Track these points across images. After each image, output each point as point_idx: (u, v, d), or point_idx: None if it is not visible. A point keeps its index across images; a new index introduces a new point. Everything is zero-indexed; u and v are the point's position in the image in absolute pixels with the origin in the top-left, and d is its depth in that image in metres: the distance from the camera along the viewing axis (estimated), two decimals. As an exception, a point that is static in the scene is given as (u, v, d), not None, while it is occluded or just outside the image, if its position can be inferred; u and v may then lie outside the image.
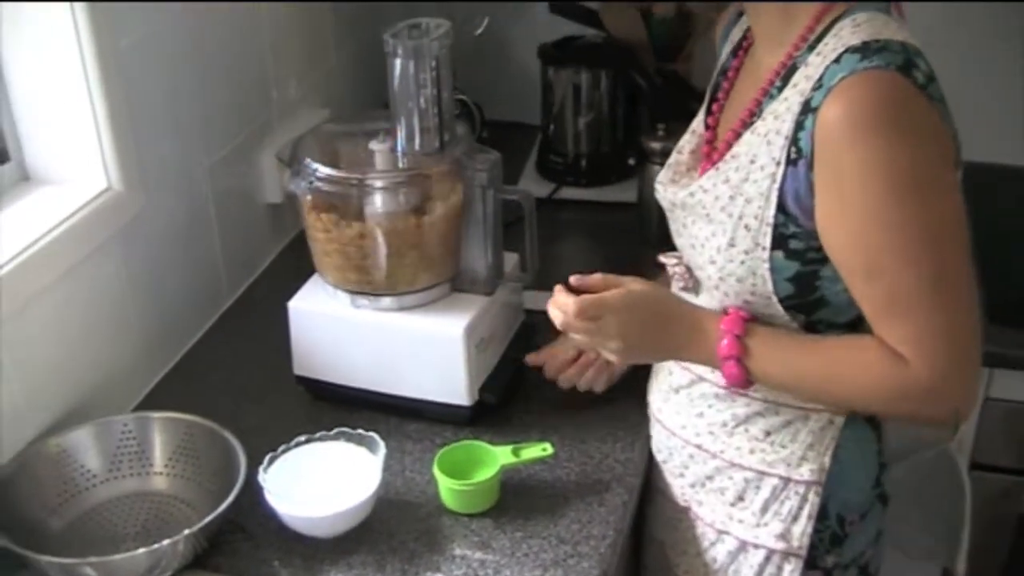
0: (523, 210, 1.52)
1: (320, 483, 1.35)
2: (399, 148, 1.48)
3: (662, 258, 1.41)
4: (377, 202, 1.46)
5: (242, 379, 1.65)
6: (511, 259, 1.61)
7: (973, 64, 2.11)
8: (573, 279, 1.33)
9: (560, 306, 1.31)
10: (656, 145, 1.98)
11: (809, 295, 1.24)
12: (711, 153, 1.34)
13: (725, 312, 1.28)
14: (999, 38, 2.16)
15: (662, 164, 2.00)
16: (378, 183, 1.45)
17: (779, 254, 1.22)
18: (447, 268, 1.52)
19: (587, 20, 2.19)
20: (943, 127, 1.16)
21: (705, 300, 1.34)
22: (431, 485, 1.42)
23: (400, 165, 1.48)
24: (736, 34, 1.41)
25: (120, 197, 1.50)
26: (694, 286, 1.35)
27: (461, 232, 1.51)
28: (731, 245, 1.25)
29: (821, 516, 1.34)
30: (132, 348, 1.59)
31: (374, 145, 1.47)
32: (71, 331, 1.46)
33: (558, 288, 1.33)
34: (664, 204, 1.40)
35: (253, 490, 1.33)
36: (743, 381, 1.27)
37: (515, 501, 1.41)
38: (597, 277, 1.33)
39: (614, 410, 1.56)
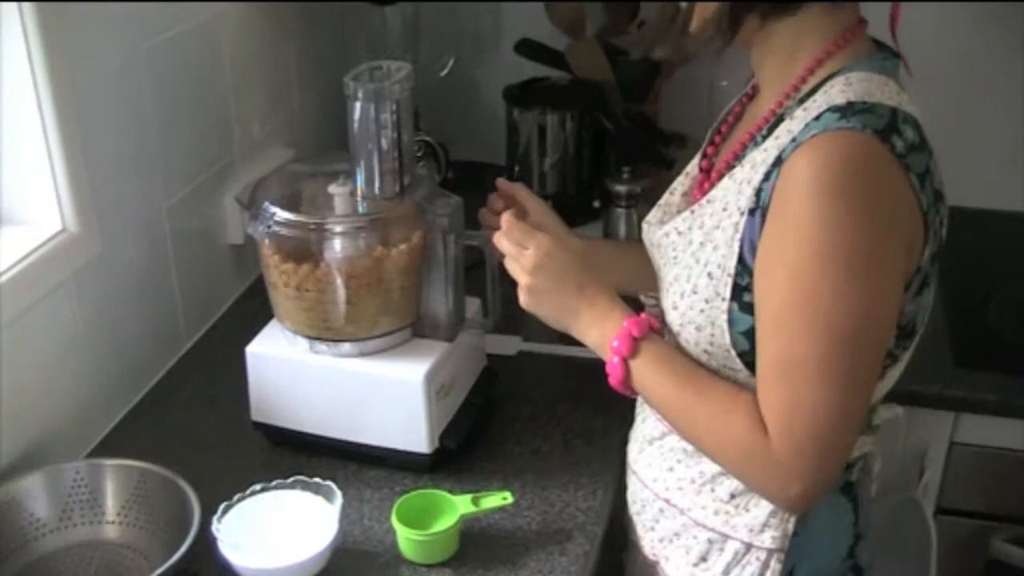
0: (481, 255, 1.51)
1: (276, 533, 1.33)
2: (358, 192, 1.46)
3: (643, 298, 1.42)
4: (336, 246, 1.44)
5: (199, 424, 1.62)
6: (472, 304, 1.59)
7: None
8: (500, 181, 1.42)
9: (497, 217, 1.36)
10: (621, 188, 1.98)
11: None
12: (699, 196, 1.32)
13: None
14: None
15: (626, 207, 2.02)
16: (337, 228, 1.43)
17: (735, 305, 1.19)
18: (407, 313, 1.50)
19: (552, 61, 2.19)
20: (911, 201, 1.12)
21: (671, 340, 1.31)
22: (390, 534, 1.40)
23: (360, 209, 1.46)
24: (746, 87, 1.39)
25: (76, 239, 1.48)
26: (664, 329, 1.32)
27: (422, 277, 1.50)
28: (693, 292, 1.22)
29: None
30: (86, 393, 1.56)
31: (333, 188, 1.46)
32: (23, 375, 1.43)
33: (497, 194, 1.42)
34: (646, 243, 1.39)
35: (208, 539, 1.30)
36: (622, 382, 1.26)
37: (475, 550, 1.39)
38: (527, 196, 1.43)
39: (576, 457, 1.55)
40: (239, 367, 1.56)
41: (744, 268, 1.18)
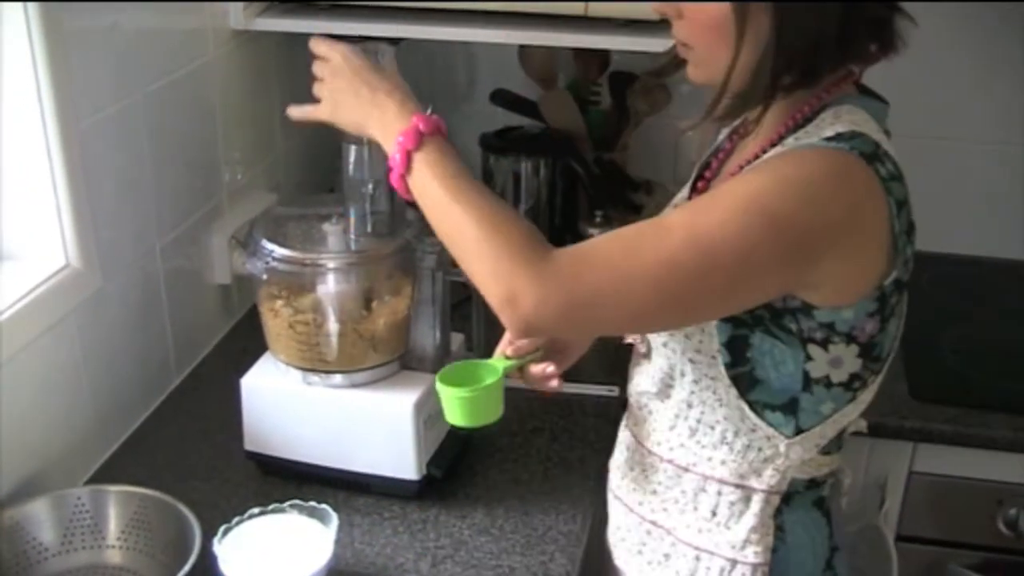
0: (467, 292, 1.58)
1: (273, 554, 1.38)
2: (351, 231, 1.54)
3: (630, 339, 1.43)
4: (330, 282, 1.51)
5: (191, 455, 1.67)
6: (457, 339, 1.66)
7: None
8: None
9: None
10: (594, 231, 2.05)
11: (742, 366, 1.25)
12: None
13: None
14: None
15: (600, 249, 2.09)
16: (331, 264, 1.51)
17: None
18: (397, 347, 1.57)
19: (526, 110, 2.28)
20: (883, 223, 1.16)
21: (653, 364, 1.35)
22: (380, 557, 1.46)
23: (352, 247, 1.53)
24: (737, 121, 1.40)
25: (78, 275, 1.54)
26: (647, 351, 1.37)
27: (411, 312, 1.57)
28: None
29: None
30: (84, 423, 1.61)
31: (327, 227, 1.53)
32: (25, 404, 1.48)
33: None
34: None
35: (207, 563, 1.35)
36: (401, 177, 1.29)
37: (462, 571, 1.45)
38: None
39: (555, 485, 1.62)
40: (228, 401, 1.63)
41: None
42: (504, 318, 1.19)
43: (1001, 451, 1.83)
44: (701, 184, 1.40)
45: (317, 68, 1.40)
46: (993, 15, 2.18)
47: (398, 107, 1.32)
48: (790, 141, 1.22)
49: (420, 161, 1.27)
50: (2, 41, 1.42)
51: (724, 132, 1.46)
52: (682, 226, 1.16)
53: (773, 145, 1.25)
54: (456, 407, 1.36)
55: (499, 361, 1.39)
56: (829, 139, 1.17)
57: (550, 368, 1.40)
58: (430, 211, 1.27)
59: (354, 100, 1.35)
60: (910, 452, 1.88)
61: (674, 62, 1.34)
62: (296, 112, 1.46)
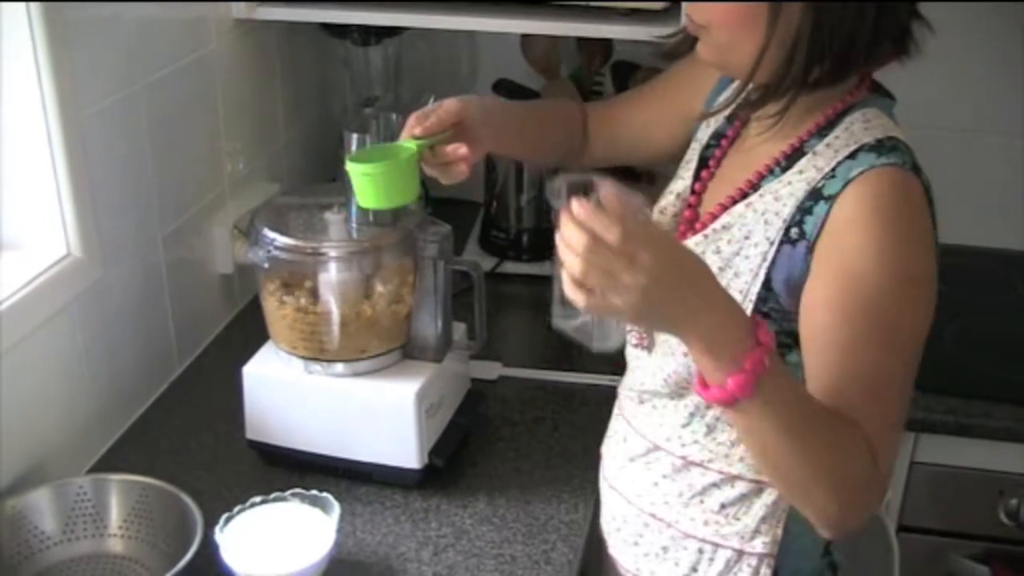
0: (468, 281, 1.59)
1: (275, 543, 1.38)
2: (353, 220, 1.54)
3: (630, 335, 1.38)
4: (332, 271, 1.51)
5: (193, 444, 1.68)
6: (458, 328, 1.66)
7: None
8: (605, 191, 1.04)
9: (577, 234, 1.02)
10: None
11: None
12: (693, 219, 1.36)
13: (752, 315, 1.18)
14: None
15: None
16: (334, 253, 1.51)
17: None
18: (398, 336, 1.57)
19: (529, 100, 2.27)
20: (934, 229, 1.22)
21: (659, 360, 1.34)
22: (382, 546, 1.46)
23: (354, 236, 1.53)
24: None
25: (79, 263, 1.54)
26: (649, 344, 1.36)
27: (412, 301, 1.57)
28: None
29: None
30: (84, 413, 1.61)
31: (329, 216, 1.53)
32: (28, 393, 1.48)
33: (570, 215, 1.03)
34: None
35: (208, 551, 1.36)
36: (741, 397, 1.07)
37: (464, 560, 1.45)
38: (626, 196, 1.05)
39: (558, 473, 1.62)
40: (230, 390, 1.63)
41: (770, 294, 1.23)
42: (827, 533, 1.22)
43: (1003, 441, 1.83)
44: (705, 173, 1.39)
45: (609, 260, 1.02)
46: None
47: (726, 309, 1.09)
48: (823, 148, 1.23)
49: (764, 387, 1.08)
50: (4, 31, 1.42)
51: (719, 117, 1.41)
52: (890, 350, 1.18)
53: (803, 143, 1.26)
54: (366, 185, 1.35)
55: (410, 142, 1.38)
56: (872, 149, 1.19)
57: (462, 149, 1.38)
58: (758, 439, 1.15)
59: (680, 296, 1.05)
60: (912, 442, 1.88)
61: (685, 42, 1.33)
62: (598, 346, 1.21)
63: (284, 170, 2.20)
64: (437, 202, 2.31)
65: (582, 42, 2.26)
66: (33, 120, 1.46)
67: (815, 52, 1.18)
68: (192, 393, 1.81)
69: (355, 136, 1.47)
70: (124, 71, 1.63)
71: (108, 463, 1.63)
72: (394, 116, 1.51)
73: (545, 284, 2.13)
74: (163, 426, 1.72)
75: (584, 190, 1.05)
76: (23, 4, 1.40)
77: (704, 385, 1.10)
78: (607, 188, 1.04)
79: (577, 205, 1.02)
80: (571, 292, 1.04)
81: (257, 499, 1.43)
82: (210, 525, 1.37)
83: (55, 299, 1.51)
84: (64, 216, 1.52)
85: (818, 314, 1.19)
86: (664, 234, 1.10)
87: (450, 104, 1.42)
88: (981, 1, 2.10)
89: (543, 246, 2.25)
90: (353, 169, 1.35)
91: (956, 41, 2.16)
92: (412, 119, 1.39)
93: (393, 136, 1.45)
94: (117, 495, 1.45)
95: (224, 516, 1.39)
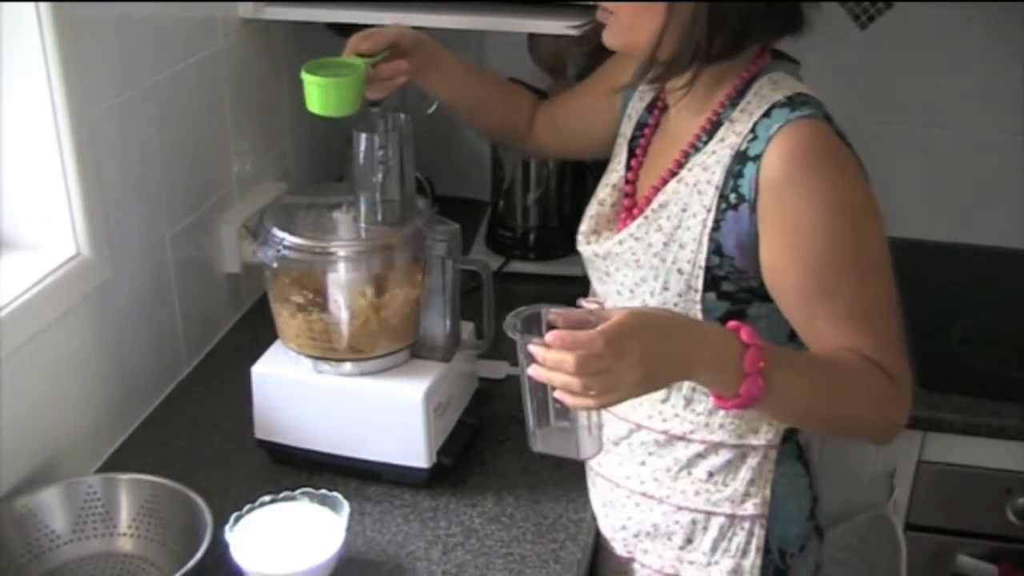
0: (476, 280, 1.59)
1: (284, 542, 1.39)
2: (361, 219, 1.54)
3: (583, 302, 1.27)
4: (341, 270, 1.51)
5: (201, 443, 1.68)
6: (467, 327, 1.66)
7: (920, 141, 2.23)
8: (555, 314, 1.18)
9: (562, 357, 1.11)
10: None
11: None
12: (631, 206, 1.43)
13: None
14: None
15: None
16: (343, 252, 1.51)
17: (711, 295, 1.31)
18: (407, 335, 1.58)
19: (535, 100, 2.27)
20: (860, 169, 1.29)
21: None
22: (391, 545, 1.47)
23: (363, 236, 1.53)
24: (646, 95, 1.49)
25: (89, 263, 1.54)
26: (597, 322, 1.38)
27: (421, 300, 1.57)
28: (665, 288, 1.33)
29: (764, 551, 1.40)
30: (95, 411, 1.62)
31: (338, 215, 1.53)
32: (37, 393, 1.48)
33: (539, 344, 1.14)
34: (585, 254, 1.48)
35: (218, 550, 1.36)
36: (759, 396, 1.17)
37: (473, 559, 1.45)
38: (576, 312, 1.18)
39: (565, 472, 1.61)
40: (239, 390, 1.63)
41: (724, 259, 1.29)
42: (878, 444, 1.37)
43: (1010, 440, 1.83)
44: (635, 162, 1.45)
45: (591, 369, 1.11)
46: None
47: (712, 335, 1.20)
48: (738, 115, 1.30)
49: (774, 378, 1.18)
50: (13, 30, 1.42)
51: (637, 109, 1.50)
52: (865, 277, 1.26)
53: (719, 115, 1.33)
54: (319, 95, 1.50)
55: (356, 59, 1.53)
56: (784, 105, 1.26)
57: (404, 64, 1.57)
58: (788, 415, 1.31)
59: (673, 355, 1.16)
60: (919, 441, 1.88)
61: (597, 29, 1.40)
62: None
63: (291, 169, 2.20)
64: (443, 201, 2.32)
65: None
66: (42, 119, 1.46)
67: (713, 27, 1.26)
68: (201, 392, 1.82)
69: (363, 136, 1.48)
70: (132, 70, 1.63)
71: (117, 462, 1.63)
72: (401, 116, 1.52)
73: (552, 283, 2.16)
74: (172, 425, 1.73)
75: (535, 320, 1.21)
76: (32, 4, 1.40)
77: (722, 400, 1.20)
78: (555, 311, 1.18)
79: (551, 336, 1.12)
80: (576, 403, 1.14)
81: (267, 498, 1.43)
82: (219, 524, 1.38)
83: (64, 299, 1.51)
84: (73, 216, 1.52)
85: (785, 272, 1.27)
86: (628, 313, 1.15)
87: (388, 28, 1.59)
88: (981, 1, 2.10)
89: (550, 245, 2.25)
90: (309, 79, 1.49)
91: (956, 41, 2.18)
92: (354, 38, 1.55)
93: (400, 139, 1.51)
94: (127, 494, 1.45)
95: (234, 515, 1.40)
